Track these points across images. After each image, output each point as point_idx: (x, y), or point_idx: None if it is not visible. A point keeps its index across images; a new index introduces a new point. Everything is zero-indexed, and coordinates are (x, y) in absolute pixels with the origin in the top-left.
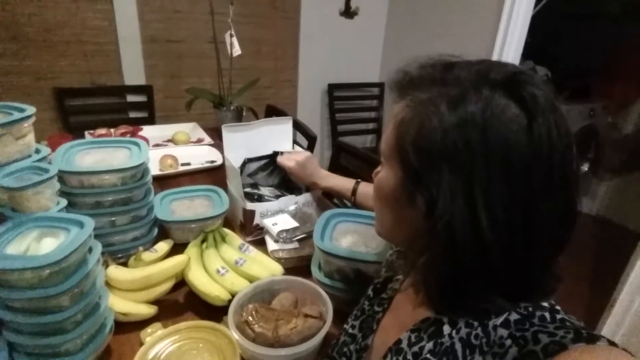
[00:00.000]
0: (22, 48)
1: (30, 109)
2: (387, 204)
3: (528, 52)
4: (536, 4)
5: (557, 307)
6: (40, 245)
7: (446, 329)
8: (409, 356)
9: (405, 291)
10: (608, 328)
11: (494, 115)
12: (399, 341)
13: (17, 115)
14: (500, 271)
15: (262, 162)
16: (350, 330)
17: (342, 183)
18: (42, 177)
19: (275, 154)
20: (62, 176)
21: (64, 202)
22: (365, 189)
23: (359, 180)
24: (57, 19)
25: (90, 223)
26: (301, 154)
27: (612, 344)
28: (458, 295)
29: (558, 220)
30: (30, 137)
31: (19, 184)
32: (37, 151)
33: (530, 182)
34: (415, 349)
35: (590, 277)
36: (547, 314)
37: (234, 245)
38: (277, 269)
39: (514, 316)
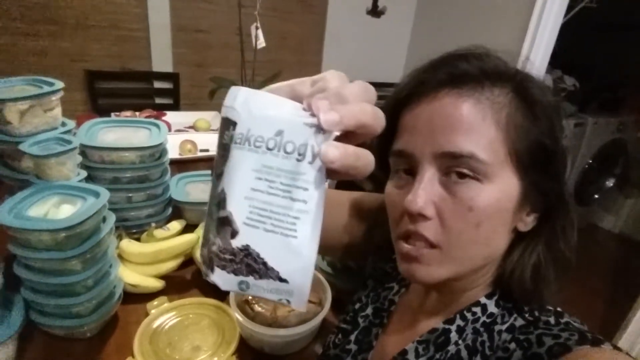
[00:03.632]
0: (59, 30)
1: (59, 84)
2: (504, 222)
3: (556, 61)
4: (566, 13)
5: (561, 311)
6: (59, 211)
7: (453, 337)
8: None
9: (406, 303)
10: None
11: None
12: (405, 352)
13: (46, 88)
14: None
15: None
16: (346, 346)
17: None
18: (65, 147)
19: None
20: (84, 150)
21: (83, 173)
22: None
23: None
24: (93, 4)
25: (105, 194)
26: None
27: (616, 348)
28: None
29: None
30: (58, 110)
31: (43, 152)
32: (63, 124)
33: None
34: None
35: (607, 295)
36: (551, 318)
37: None
38: None
39: (519, 322)
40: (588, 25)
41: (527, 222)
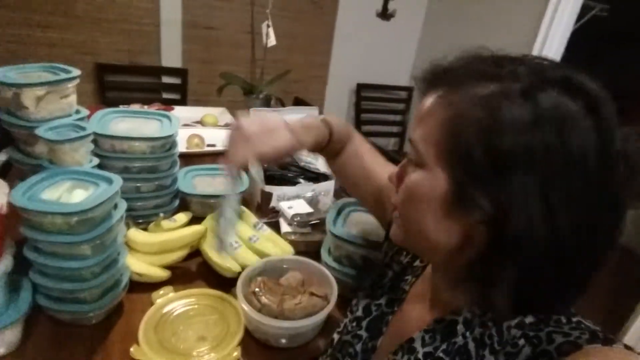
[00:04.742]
0: (71, 23)
1: (75, 71)
2: (431, 210)
3: None
4: (577, 21)
5: (573, 311)
6: (72, 196)
7: (460, 329)
8: (420, 356)
9: (416, 293)
10: None
11: (566, 113)
12: (411, 340)
13: (63, 75)
14: (563, 273)
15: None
16: (357, 331)
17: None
18: (79, 134)
19: None
20: (96, 139)
21: (96, 160)
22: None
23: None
24: None
25: (118, 180)
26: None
27: (628, 348)
28: (515, 298)
29: (618, 217)
30: (73, 97)
31: (58, 137)
32: (77, 112)
33: (600, 179)
34: (429, 349)
35: (603, 308)
36: (562, 317)
37: (249, 223)
38: (288, 249)
39: (529, 319)
40: (597, 34)
41: (478, 231)
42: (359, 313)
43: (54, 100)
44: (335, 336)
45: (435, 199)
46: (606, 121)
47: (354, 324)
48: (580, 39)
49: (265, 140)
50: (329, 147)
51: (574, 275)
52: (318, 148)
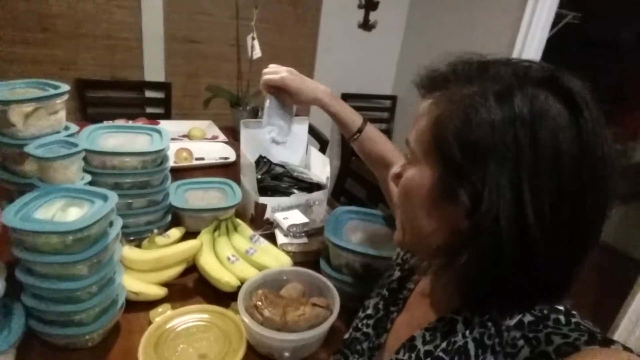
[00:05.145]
0: (51, 38)
1: (64, 86)
2: (422, 204)
3: None
4: (550, 29)
5: (573, 312)
6: (66, 214)
7: (460, 328)
8: (421, 354)
9: (421, 291)
10: None
11: (542, 111)
12: (413, 338)
13: (52, 91)
14: (540, 269)
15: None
16: (364, 329)
17: (349, 113)
18: (71, 150)
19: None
20: (85, 155)
21: (88, 177)
22: (374, 133)
23: (367, 119)
24: (86, 13)
25: (113, 197)
26: (283, 67)
27: (626, 349)
28: (493, 293)
29: (599, 215)
30: (62, 113)
31: (49, 154)
32: (67, 128)
33: (578, 176)
34: (429, 347)
35: (590, 305)
36: (562, 317)
37: (245, 235)
38: (286, 260)
39: (528, 318)
40: (570, 41)
41: (464, 225)
42: (370, 311)
43: (42, 117)
44: (347, 334)
45: (423, 194)
46: (588, 120)
47: (364, 321)
48: (555, 46)
49: (295, 79)
50: (356, 141)
51: (549, 270)
52: (339, 122)
